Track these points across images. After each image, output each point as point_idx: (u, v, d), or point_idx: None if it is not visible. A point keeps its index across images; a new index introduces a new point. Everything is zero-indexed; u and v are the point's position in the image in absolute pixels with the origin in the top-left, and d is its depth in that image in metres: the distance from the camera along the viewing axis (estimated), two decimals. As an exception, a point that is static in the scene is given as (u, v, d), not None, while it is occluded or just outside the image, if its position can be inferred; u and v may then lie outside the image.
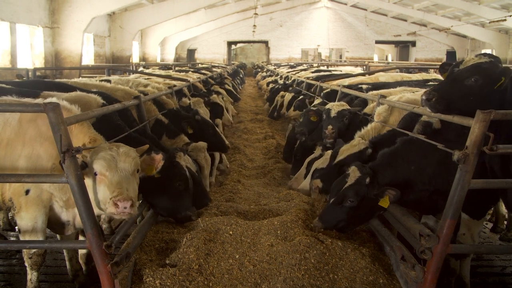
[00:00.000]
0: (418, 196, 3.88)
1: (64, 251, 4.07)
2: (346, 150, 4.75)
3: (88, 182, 3.33)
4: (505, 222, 5.55)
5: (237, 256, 3.99)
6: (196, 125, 6.37)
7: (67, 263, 4.08)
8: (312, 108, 7.48)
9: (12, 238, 5.28)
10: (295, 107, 10.06)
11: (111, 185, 3.21)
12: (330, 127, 5.76)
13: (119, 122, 4.68)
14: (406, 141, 4.04)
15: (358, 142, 4.73)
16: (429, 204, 3.92)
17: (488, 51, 35.01)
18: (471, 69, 3.49)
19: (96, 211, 3.45)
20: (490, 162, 3.56)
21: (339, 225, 4.04)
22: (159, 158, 3.76)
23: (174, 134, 5.88)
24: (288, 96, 11.38)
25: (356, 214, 3.96)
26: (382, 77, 9.42)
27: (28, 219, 3.44)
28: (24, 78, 10.24)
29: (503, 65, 3.52)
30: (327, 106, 6.15)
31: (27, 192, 3.41)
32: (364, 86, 7.58)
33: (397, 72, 12.68)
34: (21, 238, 3.52)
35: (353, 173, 3.96)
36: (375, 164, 4.04)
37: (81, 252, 4.07)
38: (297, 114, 9.87)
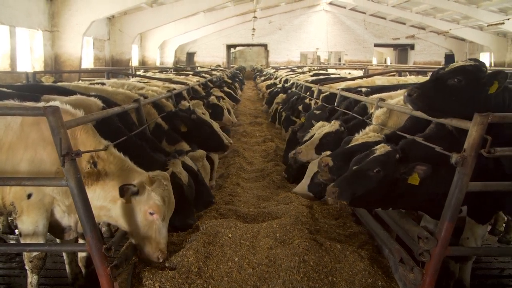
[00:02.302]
0: (429, 197, 3.65)
1: (64, 254, 4.07)
2: (361, 138, 4.69)
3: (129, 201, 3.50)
4: (504, 225, 5.56)
5: (236, 259, 4.00)
6: (191, 124, 6.34)
7: (66, 266, 4.08)
8: (315, 112, 7.51)
9: (11, 241, 5.28)
10: (285, 128, 10.12)
11: (159, 235, 3.59)
12: None
13: (118, 125, 4.70)
14: (425, 135, 3.88)
15: (373, 135, 4.69)
16: (439, 208, 3.54)
17: (487, 54, 35.13)
18: (454, 70, 3.52)
19: (103, 219, 3.62)
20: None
21: (355, 195, 3.53)
22: None
23: (174, 140, 5.85)
24: (275, 106, 11.70)
25: (376, 189, 3.54)
26: (378, 80, 9.51)
27: (30, 223, 3.44)
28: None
29: (500, 68, 3.53)
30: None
31: (29, 196, 3.40)
32: (363, 90, 7.60)
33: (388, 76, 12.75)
34: (22, 242, 3.52)
35: (383, 147, 3.70)
36: (398, 147, 3.79)
37: (81, 255, 4.07)
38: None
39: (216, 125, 6.68)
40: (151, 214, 3.50)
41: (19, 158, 3.38)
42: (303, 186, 5.59)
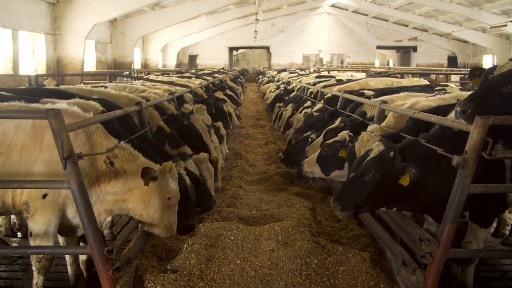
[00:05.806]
0: (432, 199, 3.62)
1: (66, 256, 4.08)
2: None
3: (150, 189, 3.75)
4: (507, 227, 5.54)
5: (238, 262, 3.99)
6: (182, 129, 6.25)
7: (68, 268, 4.08)
8: (313, 113, 7.52)
9: (14, 244, 5.29)
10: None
11: (173, 220, 3.98)
12: None
13: (119, 129, 4.68)
14: (430, 135, 3.81)
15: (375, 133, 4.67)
16: (442, 211, 3.46)
17: (490, 56, 35.06)
18: (506, 76, 3.23)
19: (115, 212, 3.81)
20: None
21: (357, 203, 3.54)
22: None
23: (177, 144, 5.86)
24: (278, 110, 12.26)
25: (376, 192, 3.51)
26: (371, 81, 9.54)
27: (42, 222, 3.46)
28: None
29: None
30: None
31: (44, 196, 3.43)
32: (367, 92, 7.58)
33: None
34: (32, 242, 3.53)
35: (377, 147, 3.65)
36: (399, 146, 3.76)
37: (82, 257, 4.07)
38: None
39: (207, 136, 6.55)
40: (169, 199, 3.81)
41: (33, 159, 3.41)
42: (313, 157, 5.50)
